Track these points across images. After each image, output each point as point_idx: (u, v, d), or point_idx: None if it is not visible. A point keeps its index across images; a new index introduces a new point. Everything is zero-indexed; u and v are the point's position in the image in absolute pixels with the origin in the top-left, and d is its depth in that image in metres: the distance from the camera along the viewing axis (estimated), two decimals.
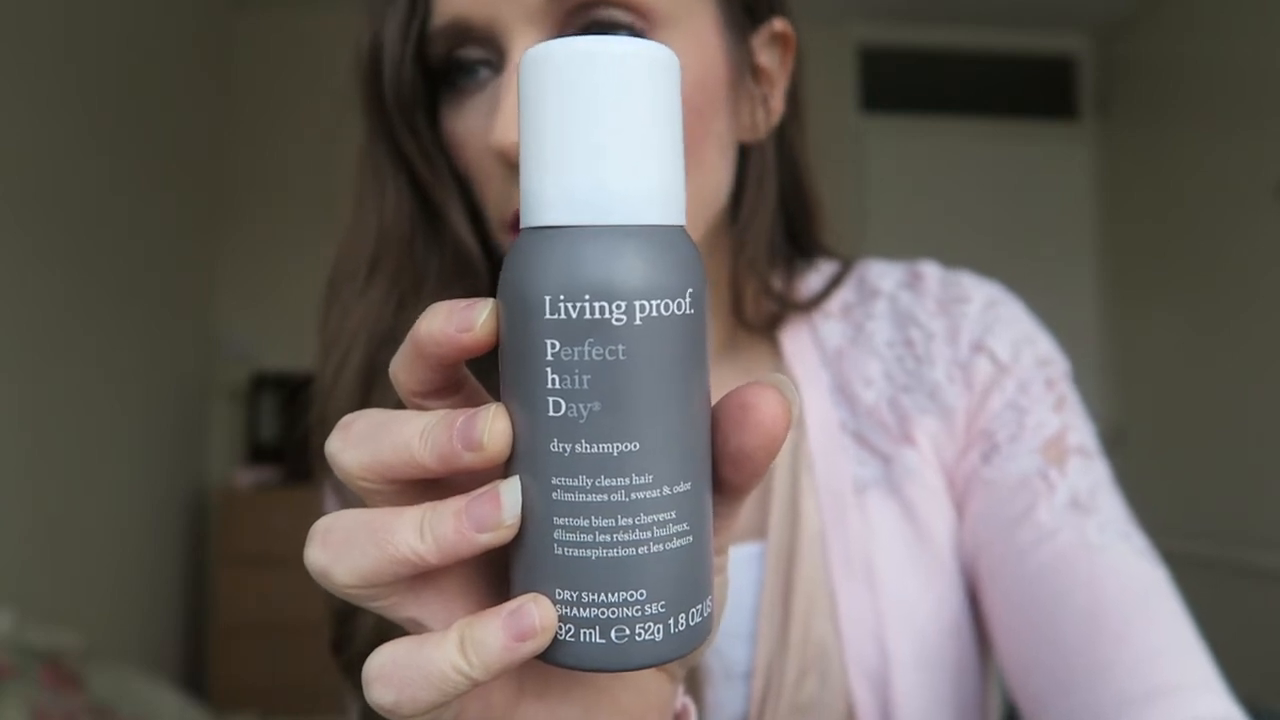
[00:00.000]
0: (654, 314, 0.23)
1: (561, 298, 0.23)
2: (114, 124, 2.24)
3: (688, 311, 0.24)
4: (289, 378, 2.77)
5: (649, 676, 0.30)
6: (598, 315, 0.23)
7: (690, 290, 0.24)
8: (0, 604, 1.64)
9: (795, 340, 0.54)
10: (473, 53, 0.44)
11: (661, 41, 0.42)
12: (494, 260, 0.48)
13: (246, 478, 2.66)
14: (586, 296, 0.23)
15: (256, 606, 2.52)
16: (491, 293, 0.48)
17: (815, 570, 0.49)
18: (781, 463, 0.51)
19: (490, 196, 0.45)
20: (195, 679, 2.63)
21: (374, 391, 0.46)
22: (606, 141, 0.23)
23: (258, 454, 2.75)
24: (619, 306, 0.23)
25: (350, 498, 0.46)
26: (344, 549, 0.24)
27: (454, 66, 0.45)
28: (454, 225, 0.47)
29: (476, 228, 0.48)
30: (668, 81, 0.24)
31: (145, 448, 2.43)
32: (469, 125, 0.45)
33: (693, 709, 0.33)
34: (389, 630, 0.25)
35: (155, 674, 2.13)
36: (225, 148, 2.95)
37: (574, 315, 0.23)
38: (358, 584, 0.24)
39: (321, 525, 0.25)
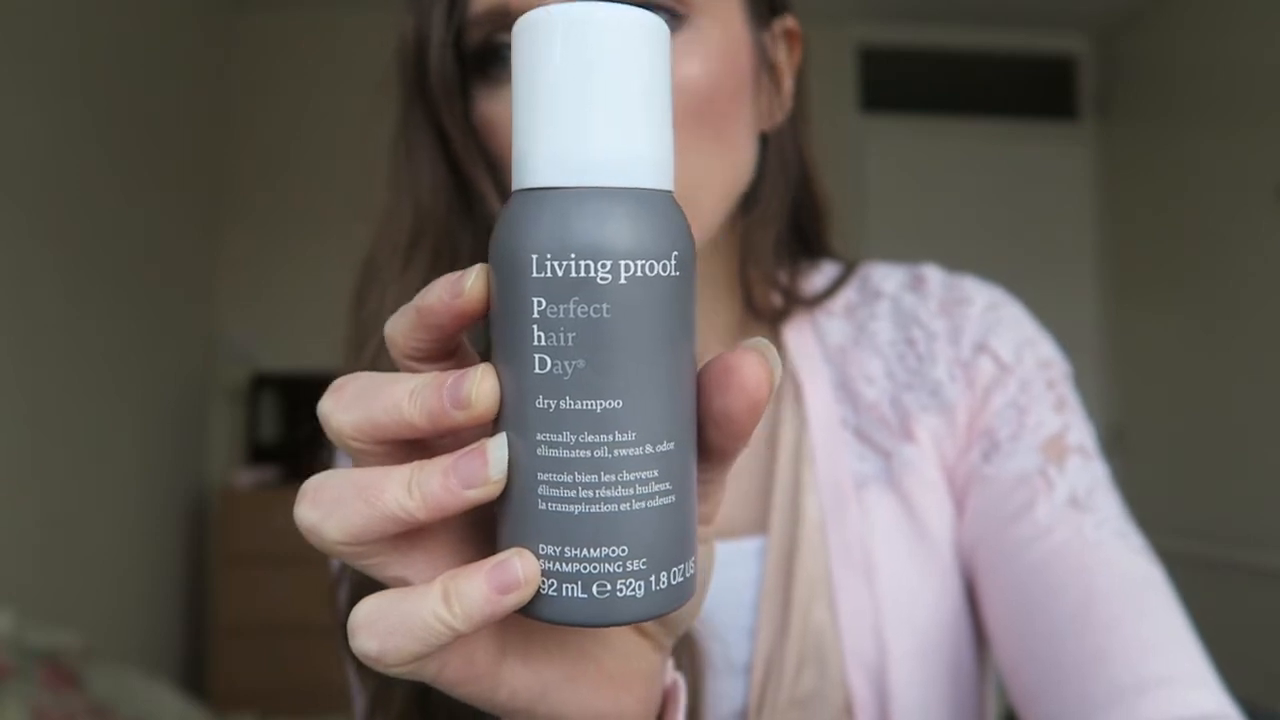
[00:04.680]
0: (639, 274, 0.24)
1: (548, 256, 0.23)
2: (114, 124, 2.25)
3: (673, 274, 0.24)
4: (289, 378, 2.77)
5: (633, 642, 0.31)
6: (583, 274, 0.23)
7: (676, 253, 0.24)
8: (0, 604, 1.64)
9: (798, 335, 0.55)
10: (509, 38, 0.45)
11: (695, 24, 0.44)
12: None
13: (246, 478, 2.66)
14: (572, 255, 0.23)
15: (256, 606, 2.52)
16: None
17: (815, 561, 0.49)
18: (783, 457, 0.52)
19: None
20: (195, 679, 2.63)
21: None
22: (596, 105, 0.24)
23: (258, 454, 2.76)
24: (604, 266, 0.23)
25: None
26: (334, 506, 0.25)
27: (490, 53, 0.46)
28: (490, 205, 0.48)
29: None
30: (658, 49, 0.25)
31: (145, 448, 2.43)
32: (505, 109, 0.46)
33: (683, 685, 0.33)
34: None
35: (155, 674, 2.13)
36: (225, 148, 2.95)
37: (560, 274, 0.23)
38: (347, 540, 0.25)
39: (312, 483, 0.26)
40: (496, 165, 0.48)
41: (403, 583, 0.26)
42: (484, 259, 0.48)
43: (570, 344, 0.23)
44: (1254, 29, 2.63)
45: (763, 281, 0.53)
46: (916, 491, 0.50)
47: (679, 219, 0.25)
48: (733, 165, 0.46)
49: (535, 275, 0.24)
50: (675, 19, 0.44)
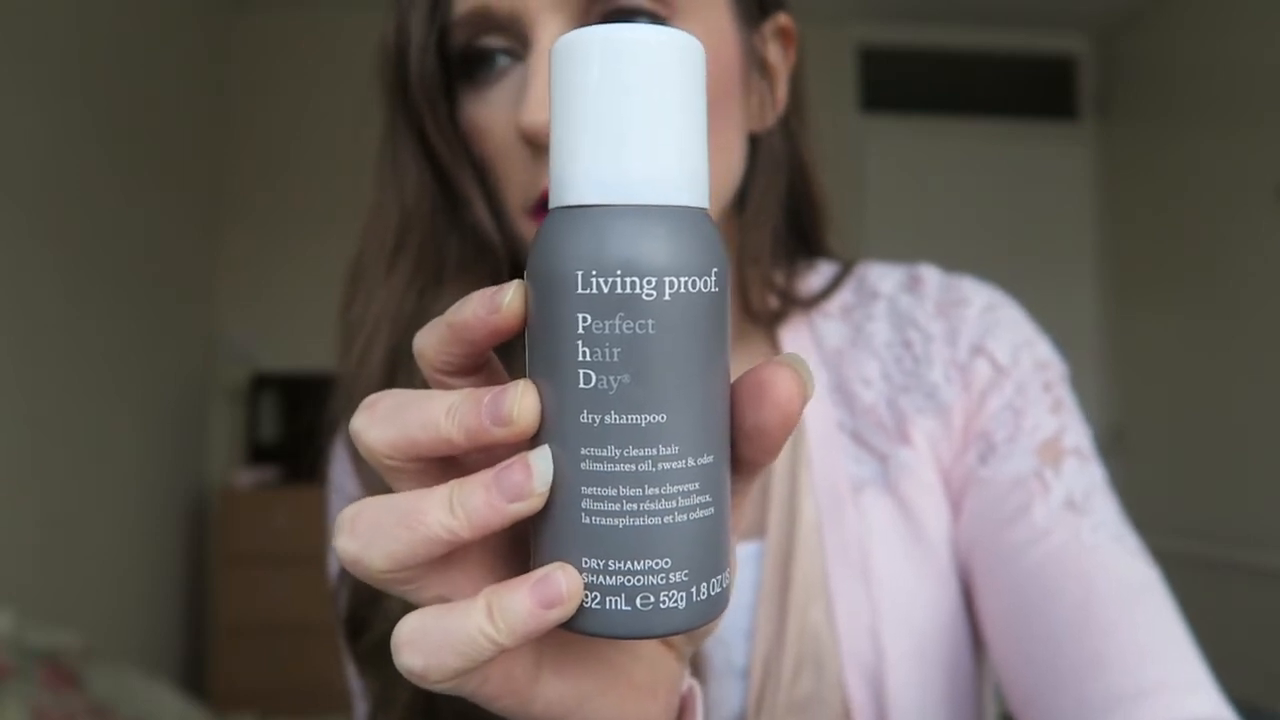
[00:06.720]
0: (682, 290, 0.24)
1: (594, 273, 0.24)
2: (114, 124, 2.25)
3: (713, 289, 0.25)
4: (289, 378, 2.77)
5: (660, 654, 0.31)
6: (629, 290, 0.24)
7: (715, 270, 0.25)
8: (0, 604, 1.64)
9: (795, 338, 0.55)
10: (494, 41, 0.44)
11: (680, 28, 0.43)
12: (511, 247, 0.48)
13: (246, 478, 2.66)
14: (618, 272, 0.24)
15: (256, 606, 2.53)
16: (510, 278, 0.48)
17: (812, 564, 0.49)
18: (780, 461, 0.52)
19: (512, 182, 0.46)
20: (195, 679, 2.63)
21: (399, 376, 0.47)
22: (637, 125, 0.24)
23: (258, 454, 2.76)
24: (649, 282, 0.24)
25: (371, 477, 0.46)
26: (375, 534, 0.25)
27: (473, 56, 0.45)
28: (475, 209, 0.47)
29: (493, 215, 0.48)
30: (695, 69, 0.25)
31: (145, 448, 2.43)
32: (492, 113, 0.45)
33: (698, 690, 0.33)
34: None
35: (155, 674, 2.13)
36: (225, 148, 2.95)
37: (605, 290, 0.24)
38: (392, 568, 0.25)
39: (349, 513, 0.25)
40: (482, 169, 0.47)
41: (442, 601, 0.26)
42: (470, 264, 0.48)
43: (615, 359, 0.24)
44: (1254, 29, 2.63)
45: (759, 283, 0.53)
46: (913, 494, 0.50)
47: (715, 235, 0.25)
48: (722, 167, 0.46)
49: (580, 291, 0.24)
50: (657, 21, 0.43)
